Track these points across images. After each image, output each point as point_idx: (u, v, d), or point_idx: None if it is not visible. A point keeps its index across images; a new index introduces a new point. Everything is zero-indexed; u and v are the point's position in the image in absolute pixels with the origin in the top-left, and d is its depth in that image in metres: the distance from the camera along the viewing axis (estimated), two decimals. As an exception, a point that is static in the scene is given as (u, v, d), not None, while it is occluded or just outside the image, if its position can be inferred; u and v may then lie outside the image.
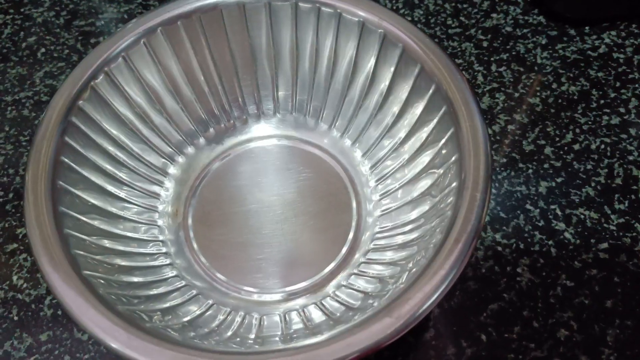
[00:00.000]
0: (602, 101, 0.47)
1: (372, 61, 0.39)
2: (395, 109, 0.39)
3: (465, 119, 0.32)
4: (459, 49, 0.51)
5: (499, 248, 0.40)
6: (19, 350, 0.38)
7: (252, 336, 0.34)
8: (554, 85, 0.48)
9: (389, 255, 0.37)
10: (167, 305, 0.34)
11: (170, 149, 0.43)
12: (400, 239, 0.37)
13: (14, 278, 0.41)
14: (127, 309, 0.30)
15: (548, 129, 0.46)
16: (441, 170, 0.35)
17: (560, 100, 0.47)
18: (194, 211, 0.42)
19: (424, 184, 0.37)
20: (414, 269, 0.30)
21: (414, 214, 0.37)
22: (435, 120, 0.35)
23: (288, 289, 0.38)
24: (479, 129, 0.32)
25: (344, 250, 0.39)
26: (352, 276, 0.37)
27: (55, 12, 0.56)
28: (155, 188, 0.42)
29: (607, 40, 0.50)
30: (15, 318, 0.39)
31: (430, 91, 0.35)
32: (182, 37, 0.40)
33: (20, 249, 0.42)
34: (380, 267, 0.36)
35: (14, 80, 0.52)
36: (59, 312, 0.39)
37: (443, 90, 0.34)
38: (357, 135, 0.43)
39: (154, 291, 0.35)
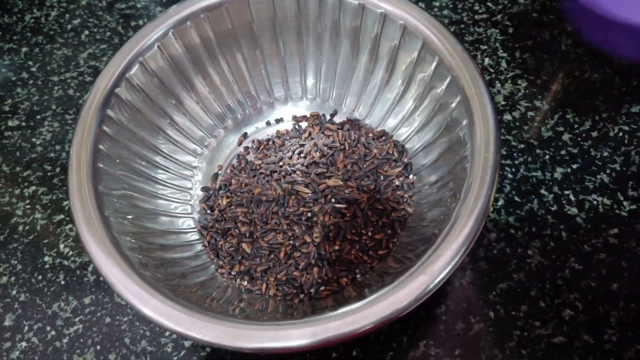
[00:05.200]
0: (623, 89, 0.48)
1: (393, 52, 0.41)
2: (415, 96, 0.41)
3: (478, 112, 0.34)
4: (484, 35, 0.52)
5: (512, 230, 0.42)
6: (66, 311, 0.42)
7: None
8: (577, 73, 0.49)
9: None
10: (198, 280, 0.37)
11: (202, 133, 0.46)
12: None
13: (61, 246, 0.45)
14: (165, 285, 0.33)
15: (568, 116, 0.47)
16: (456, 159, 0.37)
17: (582, 88, 0.48)
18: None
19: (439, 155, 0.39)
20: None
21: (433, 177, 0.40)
22: (452, 106, 0.37)
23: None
24: (490, 123, 0.34)
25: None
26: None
27: (99, -5, 0.60)
28: (187, 173, 0.45)
29: (632, 28, 0.51)
30: (62, 282, 0.43)
31: (447, 81, 0.37)
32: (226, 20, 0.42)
33: (67, 220, 0.46)
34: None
35: (60, 61, 0.55)
36: (101, 278, 0.43)
37: (458, 79, 0.36)
38: (379, 120, 0.45)
39: (187, 267, 0.38)
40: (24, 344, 0.41)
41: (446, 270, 0.30)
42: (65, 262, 0.44)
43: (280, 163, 0.43)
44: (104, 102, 0.38)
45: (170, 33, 0.41)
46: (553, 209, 0.43)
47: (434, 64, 0.38)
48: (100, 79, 0.39)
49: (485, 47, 0.51)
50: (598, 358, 0.37)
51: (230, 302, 0.36)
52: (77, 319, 0.42)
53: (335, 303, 0.37)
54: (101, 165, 0.37)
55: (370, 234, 0.39)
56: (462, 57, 0.37)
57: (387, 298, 0.30)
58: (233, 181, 0.44)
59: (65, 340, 0.41)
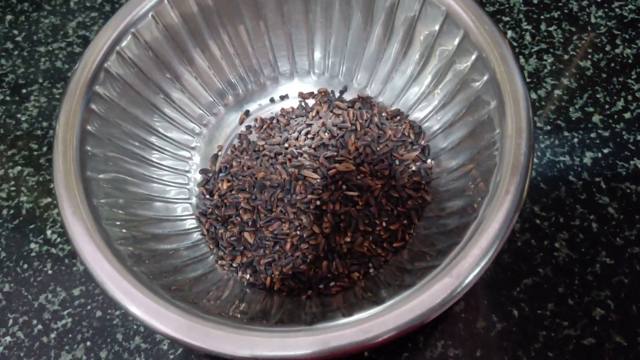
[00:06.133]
0: (658, 66, 0.44)
1: (411, 23, 0.37)
2: (434, 72, 0.38)
3: (509, 94, 0.31)
4: (507, 5, 0.48)
5: (537, 221, 0.39)
6: (53, 303, 0.39)
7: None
8: (608, 48, 0.45)
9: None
10: (195, 274, 0.34)
11: (201, 111, 0.42)
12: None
13: (48, 232, 0.42)
14: (158, 284, 0.30)
15: (598, 95, 0.43)
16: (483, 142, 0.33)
17: (613, 64, 0.44)
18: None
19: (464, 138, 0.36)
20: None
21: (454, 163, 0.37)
22: (478, 85, 0.34)
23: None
24: (522, 107, 0.30)
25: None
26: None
27: (89, -41, 0.55)
28: (184, 154, 0.41)
29: (669, -1, 0.47)
30: (50, 272, 0.40)
31: (473, 57, 0.34)
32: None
33: (54, 204, 0.43)
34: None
35: (47, 30, 0.51)
36: (92, 268, 0.40)
37: (486, 59, 0.32)
38: (394, 98, 0.41)
39: (184, 259, 0.35)
40: (8, 338, 0.38)
41: (475, 272, 0.27)
42: (53, 250, 0.41)
43: (286, 144, 0.40)
44: (92, 79, 0.35)
45: (165, 1, 0.37)
46: (582, 197, 0.39)
47: (458, 39, 0.34)
48: (88, 53, 0.35)
49: (507, 18, 0.47)
50: (631, 362, 0.34)
51: (230, 301, 0.33)
52: (65, 312, 0.39)
53: (346, 303, 0.33)
54: (89, 148, 0.33)
55: (384, 224, 0.36)
56: (490, 32, 0.33)
57: (407, 303, 0.27)
58: (234, 163, 0.40)
59: (52, 335, 0.38)
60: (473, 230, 0.28)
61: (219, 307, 0.31)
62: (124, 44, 0.36)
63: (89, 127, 0.34)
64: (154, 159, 0.39)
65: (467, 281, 0.27)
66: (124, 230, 0.33)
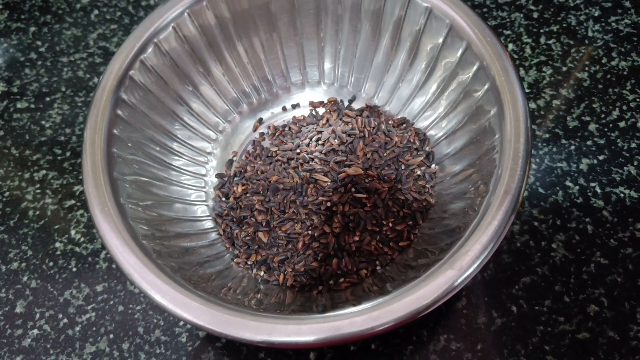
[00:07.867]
0: (652, 77, 0.46)
1: (417, 36, 0.39)
2: (439, 82, 0.40)
3: (508, 101, 0.33)
4: (508, 20, 0.51)
5: (536, 223, 0.41)
6: (78, 298, 0.41)
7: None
8: (604, 60, 0.47)
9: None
10: (214, 269, 0.36)
11: (217, 119, 0.44)
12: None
13: (72, 232, 0.44)
14: (181, 275, 0.32)
15: (594, 105, 0.45)
16: (483, 147, 0.35)
17: (609, 76, 0.47)
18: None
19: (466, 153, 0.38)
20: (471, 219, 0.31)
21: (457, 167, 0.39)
22: (479, 94, 0.36)
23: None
24: (521, 113, 0.32)
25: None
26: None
27: (109, -26, 0.58)
28: (201, 159, 0.44)
29: (662, 14, 0.49)
30: (74, 269, 0.42)
31: (475, 68, 0.36)
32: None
33: (78, 205, 0.45)
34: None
35: (69, 41, 0.54)
36: (113, 266, 0.42)
37: (487, 69, 0.34)
38: (400, 107, 0.44)
39: (202, 256, 0.37)
40: (35, 331, 0.40)
41: (475, 265, 0.29)
42: (77, 249, 0.43)
43: (298, 150, 0.42)
44: (118, 85, 0.37)
45: (185, 14, 0.39)
46: (578, 201, 0.42)
47: (461, 50, 0.37)
48: (114, 61, 0.38)
49: (509, 32, 0.50)
50: (624, 355, 0.36)
51: (247, 294, 0.35)
52: (89, 307, 0.41)
53: (354, 296, 0.36)
54: (115, 150, 0.35)
55: (391, 224, 0.38)
56: (492, 43, 0.35)
57: (413, 293, 0.29)
58: (248, 168, 0.43)
59: (77, 328, 0.40)
60: (474, 227, 0.30)
61: (236, 300, 0.33)
62: (147, 53, 0.39)
63: (115, 131, 0.36)
64: (175, 164, 0.41)
65: (468, 273, 0.29)
66: (146, 228, 0.35)
